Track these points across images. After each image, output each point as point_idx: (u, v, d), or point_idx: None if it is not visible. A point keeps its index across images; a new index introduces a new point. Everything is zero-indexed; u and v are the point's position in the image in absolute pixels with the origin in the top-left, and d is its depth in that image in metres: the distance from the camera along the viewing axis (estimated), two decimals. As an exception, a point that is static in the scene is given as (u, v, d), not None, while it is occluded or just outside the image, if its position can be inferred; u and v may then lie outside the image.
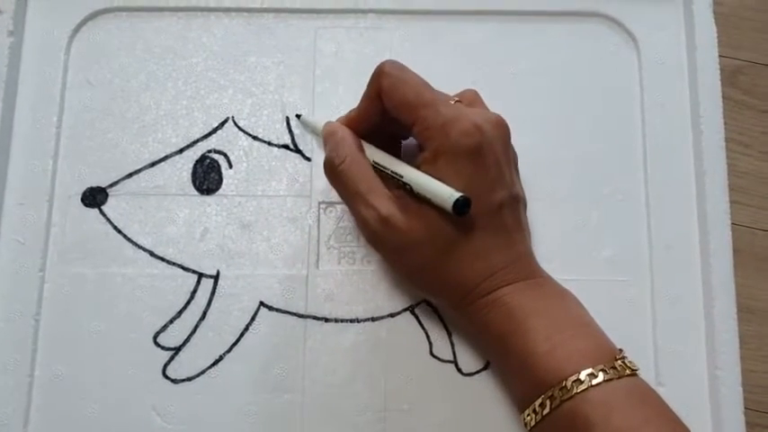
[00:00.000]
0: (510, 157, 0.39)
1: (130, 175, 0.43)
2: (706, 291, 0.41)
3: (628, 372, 0.34)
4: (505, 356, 0.37)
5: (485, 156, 0.36)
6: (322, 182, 0.43)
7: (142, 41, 0.45)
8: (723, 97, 0.44)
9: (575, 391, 0.33)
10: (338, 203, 0.43)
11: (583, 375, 0.34)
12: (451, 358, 0.41)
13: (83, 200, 0.43)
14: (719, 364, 0.40)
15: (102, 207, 0.43)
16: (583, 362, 0.34)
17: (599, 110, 0.44)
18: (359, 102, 0.40)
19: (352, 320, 0.41)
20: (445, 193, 0.35)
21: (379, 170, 0.39)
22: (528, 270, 0.38)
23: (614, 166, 0.43)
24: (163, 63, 0.45)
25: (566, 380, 0.34)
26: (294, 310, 0.41)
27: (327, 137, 0.40)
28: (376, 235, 0.38)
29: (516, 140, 0.39)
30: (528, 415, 0.35)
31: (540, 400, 0.35)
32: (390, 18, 0.45)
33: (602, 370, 0.34)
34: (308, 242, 0.42)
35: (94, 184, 0.43)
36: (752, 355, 0.43)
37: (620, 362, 0.35)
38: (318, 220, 0.43)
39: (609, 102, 0.44)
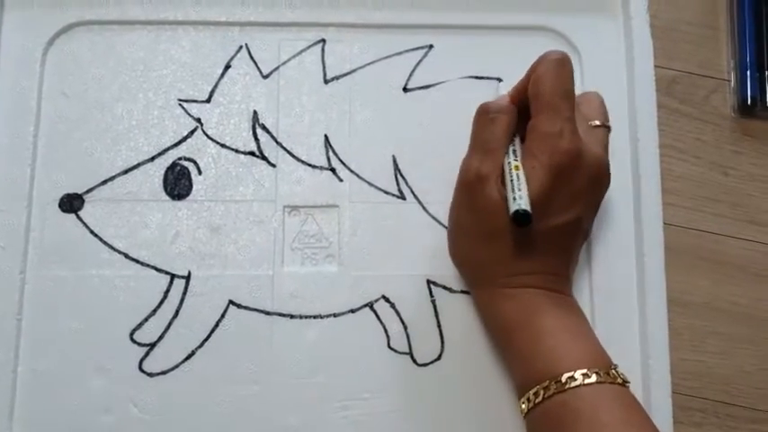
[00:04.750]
0: (592, 193, 0.43)
1: (105, 181, 0.48)
2: (639, 286, 0.47)
3: (619, 381, 0.40)
4: (511, 345, 0.42)
5: (568, 180, 0.41)
6: (287, 187, 0.48)
7: (114, 54, 0.50)
8: (660, 105, 0.50)
9: (568, 386, 0.39)
10: (302, 207, 0.48)
11: (577, 374, 0.39)
12: (407, 350, 0.47)
13: (60, 206, 0.47)
14: (651, 353, 0.46)
15: (79, 212, 0.47)
16: (580, 363, 0.39)
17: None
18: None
19: (315, 317, 0.47)
20: (514, 200, 0.40)
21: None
22: (554, 284, 0.43)
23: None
24: (134, 74, 0.49)
25: (561, 375, 0.39)
26: (261, 308, 0.47)
27: (498, 99, 0.45)
28: (466, 183, 0.43)
29: (464, 151, 0.45)
30: (523, 402, 0.41)
31: (534, 390, 0.40)
32: (350, 31, 0.50)
33: (596, 373, 0.39)
34: (273, 244, 0.48)
35: (71, 191, 0.48)
36: (684, 345, 0.48)
37: (613, 371, 0.40)
38: (283, 223, 0.48)
39: (554, 110, 0.50)
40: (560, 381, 0.39)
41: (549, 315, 0.42)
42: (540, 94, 0.42)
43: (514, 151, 0.43)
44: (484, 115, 0.44)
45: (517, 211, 0.39)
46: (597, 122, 0.44)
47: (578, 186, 0.42)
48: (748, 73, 0.51)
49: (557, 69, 0.42)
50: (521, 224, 0.40)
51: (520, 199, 0.40)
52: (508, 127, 0.43)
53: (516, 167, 0.42)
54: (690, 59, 0.52)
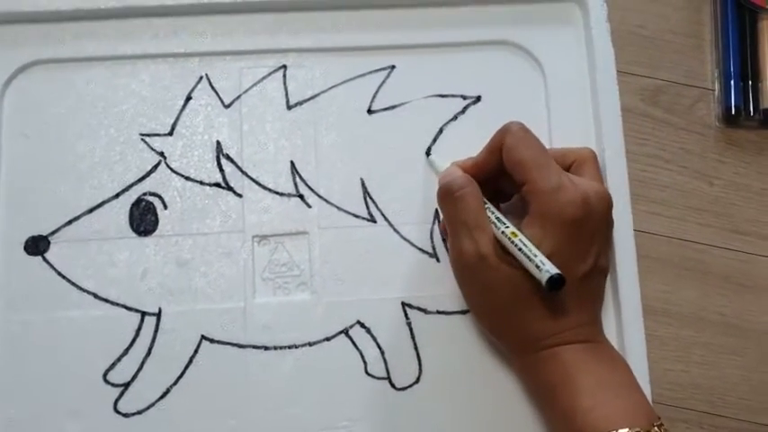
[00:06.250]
0: (604, 229, 0.44)
1: (70, 221, 0.48)
2: (614, 295, 0.47)
3: None
4: (551, 406, 0.43)
5: (583, 228, 0.42)
6: (254, 216, 0.48)
7: (73, 91, 0.50)
8: (646, 115, 0.51)
9: None
10: (271, 236, 0.48)
11: None
12: (385, 375, 0.47)
13: (25, 248, 0.48)
14: (629, 362, 0.45)
15: (45, 254, 0.48)
16: (621, 421, 0.39)
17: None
18: (479, 152, 0.45)
19: (290, 347, 0.47)
20: (539, 269, 0.40)
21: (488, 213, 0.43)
22: (589, 334, 0.43)
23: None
24: (95, 111, 0.50)
25: None
26: (234, 341, 0.47)
27: (447, 174, 0.45)
28: (468, 267, 0.43)
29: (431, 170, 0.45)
30: None
31: None
32: (311, 55, 0.51)
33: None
34: (243, 275, 0.48)
35: (36, 233, 0.48)
36: (670, 355, 0.48)
37: (656, 428, 0.39)
38: (253, 253, 0.48)
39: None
40: None
41: (587, 371, 0.42)
42: (523, 159, 0.43)
43: (498, 218, 0.43)
44: (449, 195, 0.44)
45: (551, 278, 0.39)
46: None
47: (591, 230, 0.43)
48: (732, 83, 0.51)
49: (525, 134, 0.44)
50: (556, 288, 0.40)
51: (543, 265, 0.40)
52: (478, 198, 0.44)
53: (514, 234, 0.42)
54: (676, 69, 0.53)
